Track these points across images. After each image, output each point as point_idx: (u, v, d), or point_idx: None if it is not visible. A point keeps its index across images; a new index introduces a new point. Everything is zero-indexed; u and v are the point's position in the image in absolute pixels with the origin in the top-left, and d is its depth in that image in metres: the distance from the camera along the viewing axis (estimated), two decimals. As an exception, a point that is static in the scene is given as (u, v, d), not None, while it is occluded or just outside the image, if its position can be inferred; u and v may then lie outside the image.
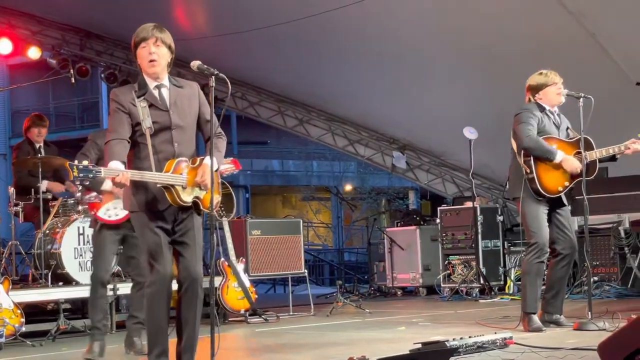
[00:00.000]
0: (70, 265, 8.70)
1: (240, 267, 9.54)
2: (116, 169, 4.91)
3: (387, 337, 7.55)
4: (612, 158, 7.33)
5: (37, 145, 9.65)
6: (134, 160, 5.14)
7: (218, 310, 9.08)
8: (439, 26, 10.50)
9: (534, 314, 7.14)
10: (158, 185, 5.06)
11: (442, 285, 12.01)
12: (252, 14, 10.82)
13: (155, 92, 5.18)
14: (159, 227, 5.13)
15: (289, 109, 14.30)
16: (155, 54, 5.18)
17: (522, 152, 7.14)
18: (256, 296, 9.71)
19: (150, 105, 5.12)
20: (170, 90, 5.23)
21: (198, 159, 5.21)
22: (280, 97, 14.12)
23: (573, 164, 7.09)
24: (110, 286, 8.77)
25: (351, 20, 10.55)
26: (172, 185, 5.08)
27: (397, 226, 13.41)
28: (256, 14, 10.82)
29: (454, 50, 11.00)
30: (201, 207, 5.21)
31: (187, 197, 5.14)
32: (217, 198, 5.30)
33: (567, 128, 7.39)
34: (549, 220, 7.20)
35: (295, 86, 13.67)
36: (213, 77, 5.39)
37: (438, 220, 12.36)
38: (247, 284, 9.52)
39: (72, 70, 11.02)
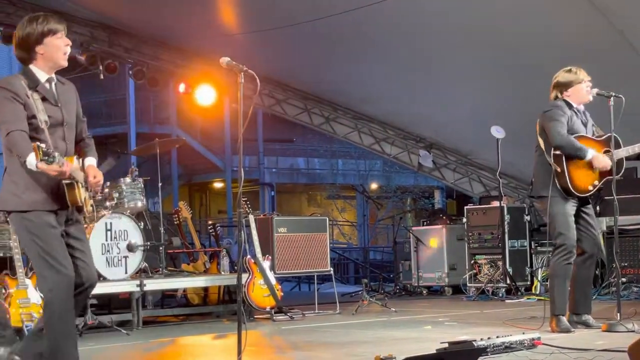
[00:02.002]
0: (98, 261, 8.72)
1: (266, 264, 9.55)
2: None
3: (413, 336, 7.53)
4: (639, 157, 7.26)
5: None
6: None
7: (244, 307, 9.08)
8: (466, 25, 10.45)
9: (563, 315, 7.09)
10: (65, 182, 4.78)
11: (468, 284, 11.96)
12: (281, 11, 10.82)
13: (47, 86, 4.93)
14: (55, 228, 4.82)
15: (316, 107, 14.29)
16: (69, 45, 4.99)
17: (552, 150, 7.08)
18: (282, 294, 9.72)
19: (43, 99, 4.86)
20: (57, 85, 5.00)
21: (74, 158, 4.95)
22: (307, 95, 14.12)
23: (604, 161, 7.03)
24: (136, 282, 8.83)
25: (379, 19, 10.52)
26: (77, 183, 4.84)
27: (423, 225, 13.38)
28: (284, 11, 10.81)
29: (482, 49, 10.95)
30: (84, 209, 4.97)
31: (84, 197, 4.93)
32: (91, 202, 5.05)
33: (592, 125, 7.34)
34: (575, 220, 7.15)
35: (322, 84, 13.66)
36: (242, 73, 5.39)
37: (464, 220, 12.31)
38: (273, 281, 9.52)
39: (100, 67, 11.07)
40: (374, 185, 30.83)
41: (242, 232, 5.85)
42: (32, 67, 4.91)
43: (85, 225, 8.02)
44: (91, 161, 5.06)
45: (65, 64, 4.96)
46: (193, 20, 11.51)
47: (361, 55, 11.85)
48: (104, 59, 12.45)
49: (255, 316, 9.44)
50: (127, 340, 7.92)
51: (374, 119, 14.36)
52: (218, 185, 31.32)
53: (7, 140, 4.71)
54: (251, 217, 9.74)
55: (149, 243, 9.18)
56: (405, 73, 12.18)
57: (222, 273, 9.88)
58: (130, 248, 8.92)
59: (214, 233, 10.81)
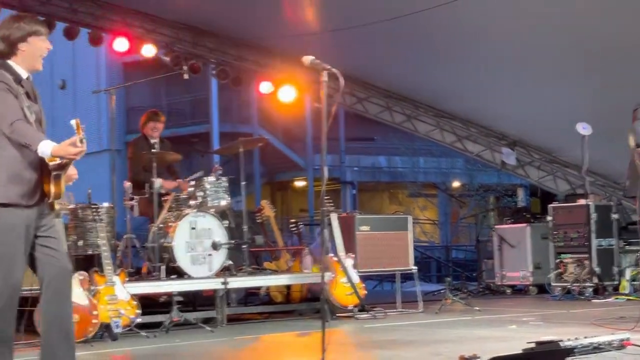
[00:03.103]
0: (183, 259, 8.86)
1: (348, 262, 9.56)
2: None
3: (498, 335, 7.45)
4: None
5: (152, 141, 9.84)
6: (16, 148, 4.76)
7: (327, 305, 9.10)
8: (551, 22, 10.28)
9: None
10: (54, 173, 4.76)
11: (553, 284, 11.77)
12: (362, 9, 10.81)
13: (28, 82, 4.98)
14: (22, 229, 4.77)
15: (397, 105, 14.23)
16: (49, 50, 5.05)
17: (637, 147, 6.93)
18: (364, 292, 9.72)
19: (27, 95, 4.91)
20: (32, 85, 5.04)
21: None
22: (389, 93, 14.07)
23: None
24: (221, 280, 8.93)
25: (462, 16, 10.43)
26: (64, 174, 4.82)
27: (507, 223, 13.23)
28: (365, 9, 10.79)
29: (567, 46, 10.76)
30: (55, 205, 4.94)
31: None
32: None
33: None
34: None
35: (403, 82, 13.59)
36: (325, 72, 5.40)
37: (549, 218, 12.12)
38: (356, 279, 9.53)
39: (185, 67, 11.21)
40: (456, 184, 30.57)
41: (325, 230, 5.85)
42: (10, 62, 4.95)
43: (171, 225, 8.10)
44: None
45: (40, 67, 5.03)
46: (275, 19, 11.58)
47: (443, 53, 11.77)
48: (187, 59, 12.60)
49: (338, 314, 9.45)
50: (211, 337, 8.02)
51: (456, 117, 14.24)
52: (300, 183, 31.45)
53: (12, 129, 4.70)
54: (334, 216, 9.76)
55: (232, 241, 9.27)
56: (488, 70, 12.04)
57: (305, 271, 9.92)
58: (215, 246, 9.02)
59: (296, 231, 10.86)
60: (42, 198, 4.86)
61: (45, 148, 4.64)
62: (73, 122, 4.81)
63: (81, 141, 4.65)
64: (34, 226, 4.84)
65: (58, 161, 4.72)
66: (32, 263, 4.88)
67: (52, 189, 4.80)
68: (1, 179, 4.78)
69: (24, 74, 4.95)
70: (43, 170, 4.82)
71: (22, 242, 4.78)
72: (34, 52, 4.96)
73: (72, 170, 4.95)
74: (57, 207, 4.94)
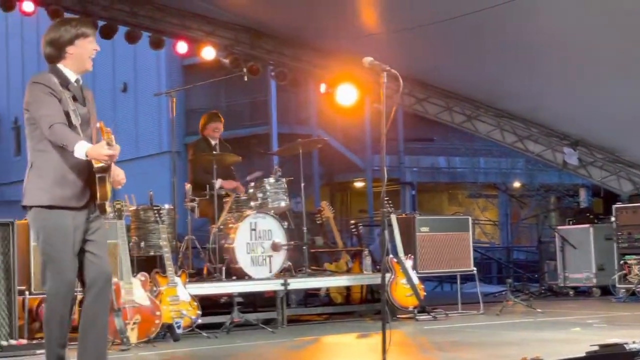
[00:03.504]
0: (243, 260, 8.91)
1: (408, 264, 9.52)
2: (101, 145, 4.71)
3: (561, 337, 7.36)
4: None
5: (213, 143, 9.91)
6: (59, 151, 4.85)
7: (387, 306, 9.08)
8: (614, 21, 10.12)
9: None
10: (98, 175, 4.81)
11: (617, 285, 11.60)
12: (420, 10, 10.76)
13: (76, 86, 5.03)
14: (70, 231, 4.86)
15: (457, 105, 14.13)
16: (96, 51, 5.08)
17: None
18: (424, 293, 9.67)
19: (74, 98, 4.97)
20: (82, 87, 5.09)
21: None
22: (448, 93, 13.97)
23: None
24: (281, 281, 8.96)
25: (522, 15, 10.32)
26: (108, 177, 4.86)
27: (569, 224, 13.07)
28: (424, 10, 10.74)
29: (631, 44, 10.58)
30: (106, 209, 4.96)
31: (110, 194, 4.95)
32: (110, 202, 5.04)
33: None
34: None
35: (463, 82, 13.49)
36: (385, 73, 5.39)
37: (613, 219, 11.94)
38: (416, 280, 9.49)
39: (244, 69, 11.26)
40: (516, 184, 30.26)
41: (385, 231, 5.83)
42: (60, 66, 5.02)
43: (232, 226, 8.15)
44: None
45: (90, 68, 5.08)
46: (333, 20, 11.58)
47: (503, 52, 11.65)
48: (246, 61, 12.65)
49: (398, 315, 9.42)
50: (272, 338, 8.05)
51: (516, 116, 14.08)
52: (359, 184, 31.41)
53: (51, 132, 4.77)
54: (393, 217, 9.74)
55: (292, 242, 9.30)
56: (548, 69, 11.90)
57: (365, 272, 9.91)
58: (275, 247, 9.05)
59: (356, 232, 10.84)
60: (90, 200, 4.94)
61: (81, 150, 4.71)
62: (98, 124, 4.89)
63: (109, 144, 4.70)
64: (83, 229, 4.92)
65: (101, 164, 4.78)
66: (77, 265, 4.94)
67: (98, 191, 4.85)
68: (46, 181, 4.87)
69: (72, 77, 5.02)
70: (90, 173, 4.88)
71: (70, 244, 4.86)
72: (82, 54, 5.01)
73: (119, 175, 5.01)
74: (108, 209, 4.98)
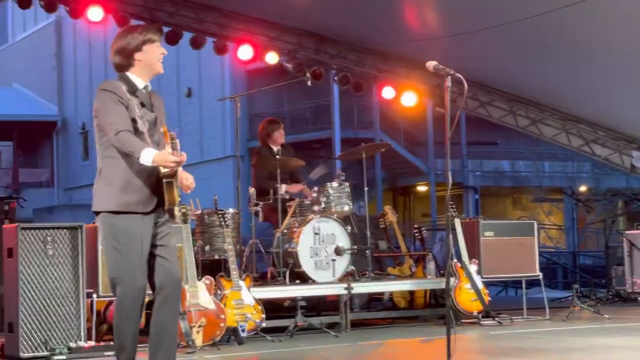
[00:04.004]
0: (307, 264, 8.93)
1: (472, 268, 9.46)
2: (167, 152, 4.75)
3: (629, 344, 7.24)
4: None
5: (275, 149, 9.95)
6: (125, 158, 4.91)
7: (451, 311, 9.02)
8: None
9: None
10: (166, 181, 4.86)
11: (687, 291, 11.36)
12: (485, 12, 10.69)
13: (144, 92, 5.09)
14: (138, 235, 4.92)
15: (521, 109, 13.99)
16: (164, 54, 5.14)
17: None
18: (489, 298, 9.59)
19: (142, 104, 5.02)
20: (150, 93, 5.13)
21: None
22: (512, 97, 13.85)
23: None
24: (344, 285, 8.97)
25: (587, 17, 10.19)
26: (175, 182, 4.90)
27: (637, 229, 12.83)
28: (488, 12, 10.67)
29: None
30: (175, 213, 5.01)
31: (178, 199, 4.98)
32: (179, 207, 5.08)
33: None
34: None
35: (528, 85, 13.36)
36: (449, 77, 5.37)
37: (683, 223, 11.71)
38: (480, 285, 9.42)
39: (307, 74, 11.28)
40: (582, 188, 29.84)
41: (449, 236, 5.81)
42: (128, 73, 5.08)
43: (295, 230, 8.19)
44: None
45: (161, 70, 5.13)
46: (395, 24, 11.56)
47: (569, 55, 11.52)
48: (310, 66, 12.69)
49: (462, 320, 9.35)
50: (336, 342, 8.06)
51: (582, 120, 13.90)
52: (422, 188, 31.30)
53: (116, 139, 4.84)
54: (457, 221, 9.68)
55: (356, 246, 9.30)
56: (615, 72, 11.73)
57: (428, 277, 9.86)
58: (338, 251, 9.06)
59: (419, 237, 10.81)
60: (158, 205, 4.99)
61: (147, 156, 4.77)
62: (162, 129, 4.94)
63: (173, 148, 4.75)
64: (152, 233, 4.98)
65: (167, 169, 4.83)
66: (147, 270, 5.00)
67: (166, 196, 4.91)
68: (114, 187, 4.94)
69: (140, 84, 5.07)
70: (157, 178, 4.94)
71: (140, 248, 4.92)
72: (150, 59, 5.07)
73: (188, 179, 5.06)
74: (177, 214, 5.04)
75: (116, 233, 4.93)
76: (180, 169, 4.97)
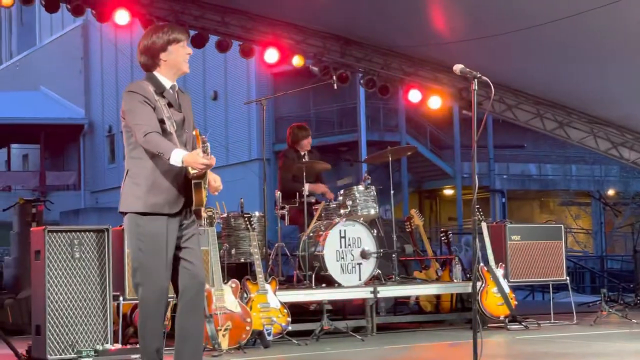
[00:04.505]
0: (333, 267, 8.91)
1: (499, 272, 9.41)
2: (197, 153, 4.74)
3: (658, 350, 7.17)
4: None
5: (302, 153, 9.96)
6: (152, 159, 4.91)
7: (478, 315, 8.97)
8: None
9: None
10: (194, 182, 4.85)
11: None
12: (511, 15, 10.64)
13: (171, 92, 5.07)
14: (164, 237, 4.92)
15: (548, 112, 13.91)
16: (189, 54, 5.12)
17: None
18: (516, 302, 9.54)
19: (169, 105, 5.00)
20: (177, 93, 5.11)
21: None
22: (539, 100, 13.78)
23: None
24: (370, 288, 8.93)
25: (613, 19, 10.12)
26: (204, 183, 4.89)
27: (666, 233, 12.73)
28: (515, 15, 10.62)
29: None
30: (202, 214, 5.02)
31: (206, 200, 4.97)
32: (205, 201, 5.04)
33: None
34: None
35: (555, 88, 13.29)
36: (475, 80, 5.35)
37: None
38: (507, 289, 9.36)
39: (333, 77, 11.29)
40: (610, 191, 29.64)
41: (476, 240, 5.77)
42: (155, 73, 5.07)
43: (321, 234, 8.18)
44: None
45: (187, 69, 5.11)
46: (421, 27, 11.54)
47: (596, 58, 11.45)
48: (336, 69, 12.68)
49: (489, 325, 9.30)
50: (362, 346, 8.04)
51: (610, 123, 13.81)
52: (448, 192, 31.22)
53: (145, 140, 4.83)
54: (484, 225, 9.63)
55: (382, 250, 9.27)
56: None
57: (455, 281, 9.82)
58: (364, 255, 9.04)
59: (445, 240, 10.77)
60: (185, 207, 4.99)
61: (177, 157, 4.76)
62: (194, 132, 4.96)
63: (204, 151, 4.75)
64: (177, 235, 4.98)
65: (196, 170, 4.82)
66: (172, 272, 5.00)
67: (194, 197, 4.91)
68: (141, 188, 4.94)
69: (167, 84, 5.07)
70: (185, 179, 4.93)
71: (164, 250, 4.92)
72: (176, 58, 5.06)
73: (216, 181, 5.06)
74: (204, 214, 5.04)
75: (141, 234, 4.94)
76: (209, 170, 4.97)
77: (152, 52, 5.05)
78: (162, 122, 4.93)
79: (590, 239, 30.49)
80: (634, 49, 10.97)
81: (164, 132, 4.91)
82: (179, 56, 5.06)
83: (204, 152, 4.78)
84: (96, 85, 37.19)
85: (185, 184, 4.95)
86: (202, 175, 4.87)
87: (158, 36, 5.04)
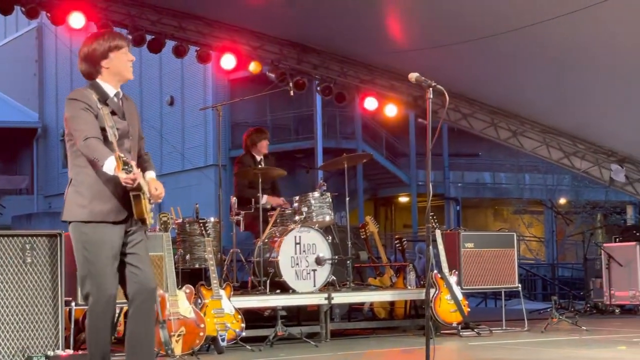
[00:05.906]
0: (288, 274, 8.93)
1: (452, 279, 9.49)
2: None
3: (606, 356, 7.28)
4: None
5: (258, 158, 9.96)
6: (94, 167, 4.87)
7: (431, 322, 9.04)
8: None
9: None
10: (132, 194, 4.84)
11: (664, 304, 11.44)
12: (465, 26, 10.75)
13: (115, 100, 5.04)
14: (109, 244, 4.91)
15: (503, 121, 14.07)
16: (132, 61, 5.10)
17: None
18: (468, 309, 9.62)
19: (112, 113, 4.97)
20: (122, 100, 5.09)
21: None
22: (494, 109, 13.92)
23: None
24: (325, 295, 8.96)
25: (566, 31, 10.27)
26: (143, 194, 4.88)
27: (616, 242, 12.93)
28: (469, 26, 10.73)
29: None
30: (147, 221, 4.99)
31: (148, 209, 4.96)
32: (151, 214, 5.05)
33: None
34: None
35: (509, 98, 13.44)
36: (430, 89, 5.40)
37: (660, 236, 11.80)
38: (460, 296, 9.44)
39: (290, 84, 11.31)
40: (562, 200, 30.00)
41: (430, 247, 5.83)
42: (98, 81, 5.05)
43: (276, 240, 8.18)
44: (152, 175, 5.13)
45: (131, 76, 5.09)
46: (378, 35, 11.61)
47: (549, 68, 11.60)
48: (293, 76, 12.72)
49: (442, 331, 9.38)
50: (316, 352, 8.06)
51: (563, 133, 13.99)
52: (403, 199, 31.37)
53: (84, 145, 4.82)
54: (438, 232, 9.71)
55: (336, 257, 9.31)
56: (596, 85, 11.82)
57: (409, 287, 9.89)
58: (319, 261, 9.07)
59: (400, 247, 10.83)
60: (130, 214, 4.95)
61: (110, 165, 4.73)
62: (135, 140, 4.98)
63: (125, 170, 4.65)
64: (123, 242, 4.96)
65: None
66: (120, 279, 4.99)
67: (134, 208, 4.89)
68: (85, 197, 4.92)
69: (111, 92, 5.04)
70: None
71: (110, 257, 4.90)
72: (118, 65, 5.03)
73: (158, 189, 5.03)
74: (150, 221, 5.02)
75: (87, 242, 4.91)
76: (151, 178, 4.99)
77: (93, 60, 5.01)
78: (103, 130, 4.89)
79: (542, 247, 30.82)
80: (586, 60, 11.13)
81: (105, 141, 4.86)
82: (120, 63, 5.03)
83: (125, 170, 4.67)
84: (50, 89, 36.82)
85: (128, 192, 4.90)
86: (137, 188, 4.83)
87: (99, 43, 5.00)
